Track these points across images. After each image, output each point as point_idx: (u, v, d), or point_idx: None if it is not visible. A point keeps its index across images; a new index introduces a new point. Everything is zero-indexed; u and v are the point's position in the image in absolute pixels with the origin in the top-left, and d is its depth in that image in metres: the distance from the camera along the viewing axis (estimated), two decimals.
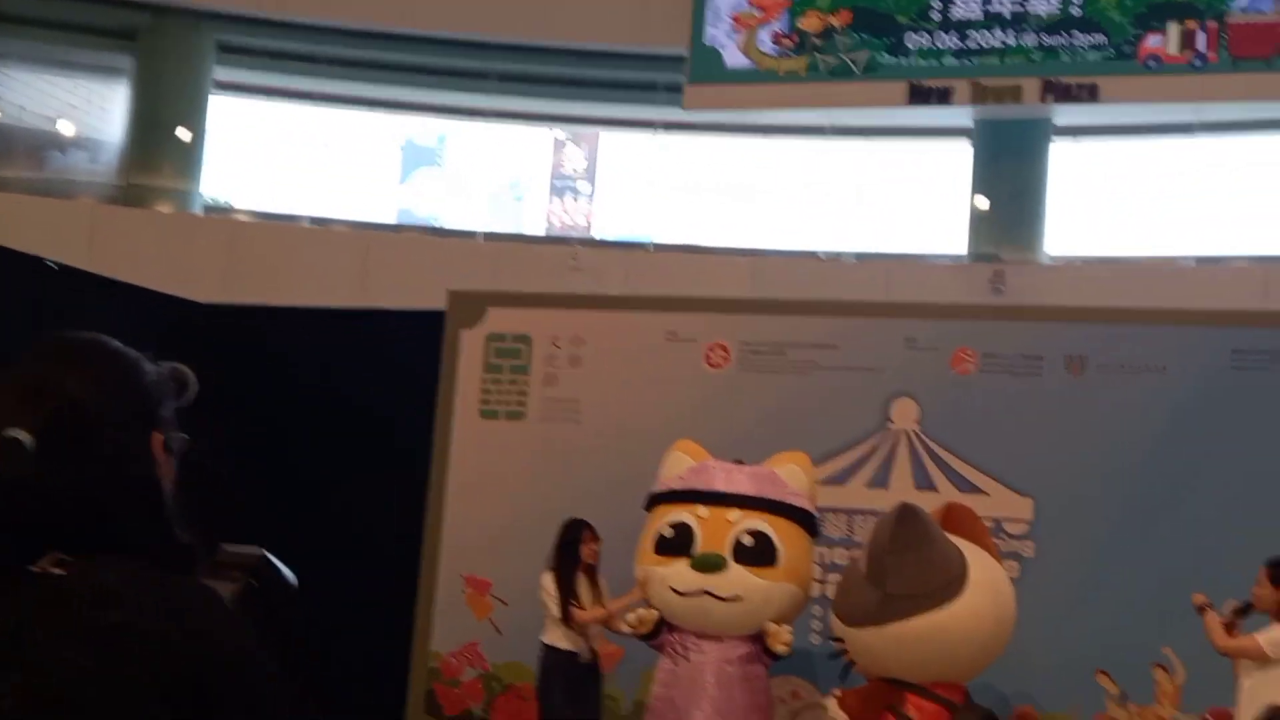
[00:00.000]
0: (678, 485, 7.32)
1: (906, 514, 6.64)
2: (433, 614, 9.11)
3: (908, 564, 6.54)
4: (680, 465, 7.41)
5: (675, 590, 7.06)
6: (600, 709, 7.73)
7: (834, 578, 8.41)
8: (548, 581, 7.67)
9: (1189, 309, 8.46)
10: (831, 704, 6.74)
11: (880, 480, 8.58)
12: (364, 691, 9.02)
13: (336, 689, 8.52)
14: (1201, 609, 6.32)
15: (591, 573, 7.81)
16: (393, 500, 9.32)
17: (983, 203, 10.43)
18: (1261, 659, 6.05)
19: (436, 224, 12.90)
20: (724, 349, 9.04)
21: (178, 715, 1.73)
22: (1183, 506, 8.14)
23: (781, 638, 7.03)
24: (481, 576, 9.06)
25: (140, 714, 1.72)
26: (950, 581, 6.61)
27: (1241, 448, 8.11)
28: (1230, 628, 6.32)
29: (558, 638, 7.58)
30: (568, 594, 7.63)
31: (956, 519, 7.00)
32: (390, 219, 13.20)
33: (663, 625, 7.21)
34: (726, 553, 7.01)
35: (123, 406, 1.90)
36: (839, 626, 6.75)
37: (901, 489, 8.37)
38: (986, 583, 6.79)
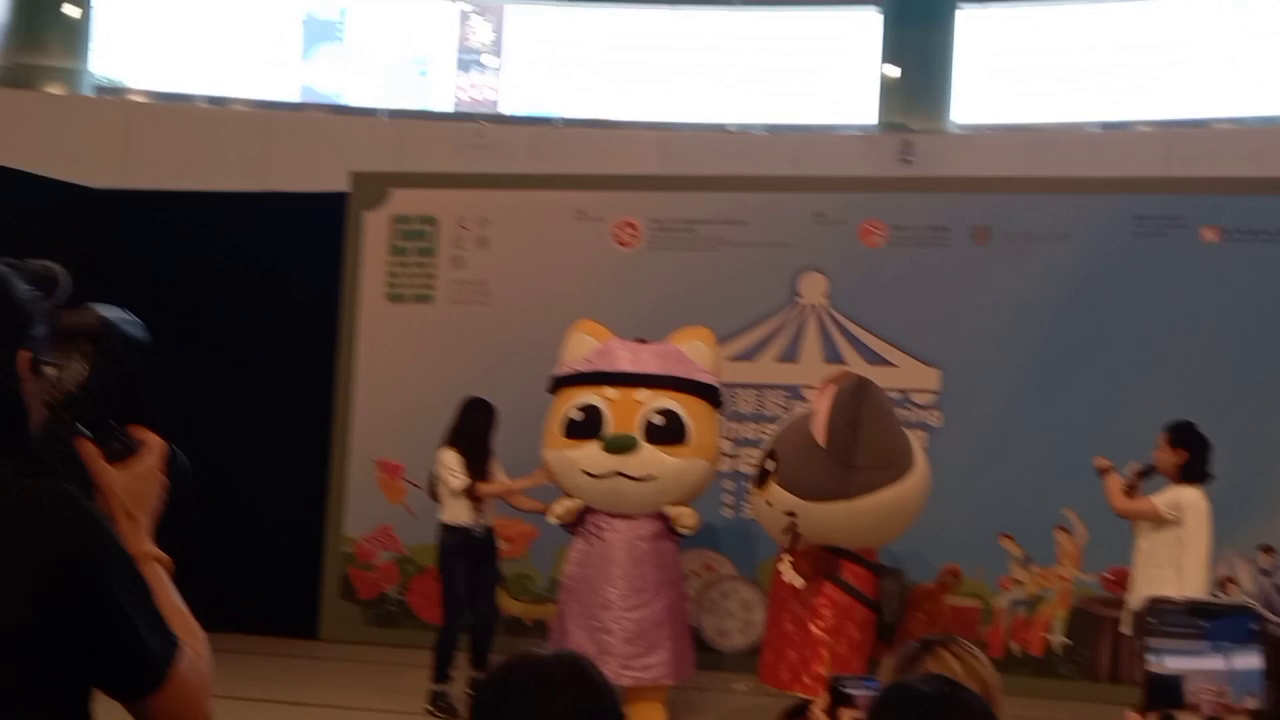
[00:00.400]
0: (583, 367, 7.24)
1: (865, 388, 6.72)
2: (345, 499, 9.09)
3: (873, 438, 6.62)
4: (583, 347, 7.33)
5: (588, 473, 7.05)
6: (496, 585, 7.69)
7: (745, 452, 8.51)
8: (450, 458, 7.54)
9: (1091, 177, 8.52)
10: (786, 568, 6.81)
11: (789, 355, 8.62)
12: (278, 579, 9.02)
13: (250, 577, 8.54)
14: (1103, 472, 6.44)
15: (489, 452, 7.68)
16: (300, 388, 9.22)
17: (893, 71, 10.33)
18: (1158, 521, 6.20)
19: (339, 101, 12.57)
20: (633, 227, 8.97)
21: (41, 611, 1.76)
22: (1085, 372, 8.28)
23: (683, 520, 7.07)
24: (393, 460, 9.03)
25: (4, 610, 1.76)
26: (906, 452, 6.77)
27: (1142, 313, 8.25)
28: (1132, 490, 6.45)
29: (457, 514, 7.50)
30: (478, 470, 7.54)
31: None
32: (291, 97, 12.82)
33: (585, 513, 7.23)
34: (637, 433, 6.99)
35: None
36: (792, 500, 6.74)
37: (810, 363, 8.44)
38: (922, 453, 6.98)
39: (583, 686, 2.02)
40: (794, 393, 8.49)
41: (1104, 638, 8.17)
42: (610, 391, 7.10)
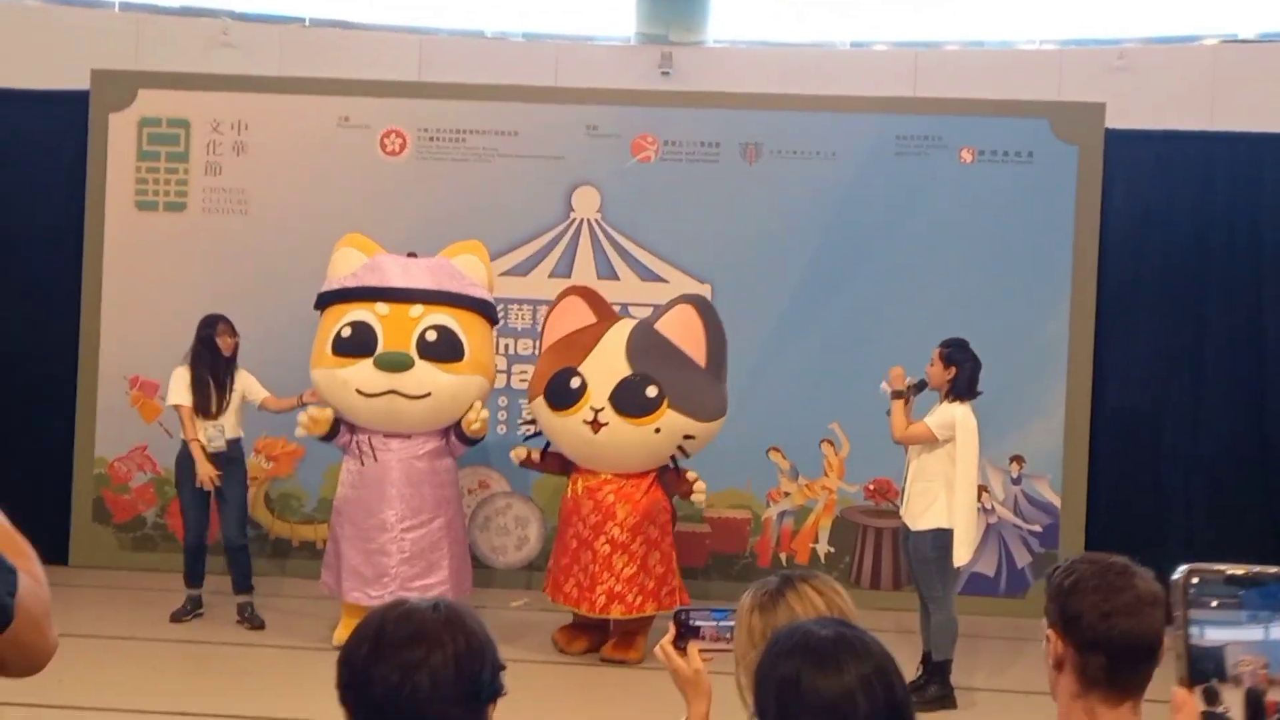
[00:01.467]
0: (351, 283, 6.98)
1: (711, 304, 7.13)
2: (95, 419, 8.58)
3: (725, 354, 7.08)
4: (351, 261, 7.07)
5: (361, 392, 6.84)
6: (238, 503, 7.35)
7: (519, 369, 8.44)
8: (176, 374, 7.25)
9: (857, 95, 8.67)
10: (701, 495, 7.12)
11: (563, 270, 8.55)
12: (26, 502, 8.45)
13: None
14: (894, 396, 6.62)
15: (230, 366, 7.36)
16: (45, 302, 8.62)
17: None
18: (932, 442, 6.45)
19: None
20: (400, 135, 8.69)
21: None
22: (850, 288, 8.52)
23: (473, 418, 6.91)
24: (148, 378, 8.56)
25: None
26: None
27: (905, 230, 8.52)
28: (902, 396, 6.67)
29: (185, 430, 7.21)
30: (212, 386, 7.24)
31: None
32: None
33: (339, 425, 7.02)
34: (411, 350, 6.82)
35: None
36: (689, 424, 6.80)
37: (584, 278, 8.40)
38: None
39: (461, 638, 1.92)
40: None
41: (865, 545, 8.52)
42: (381, 307, 6.90)
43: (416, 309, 6.90)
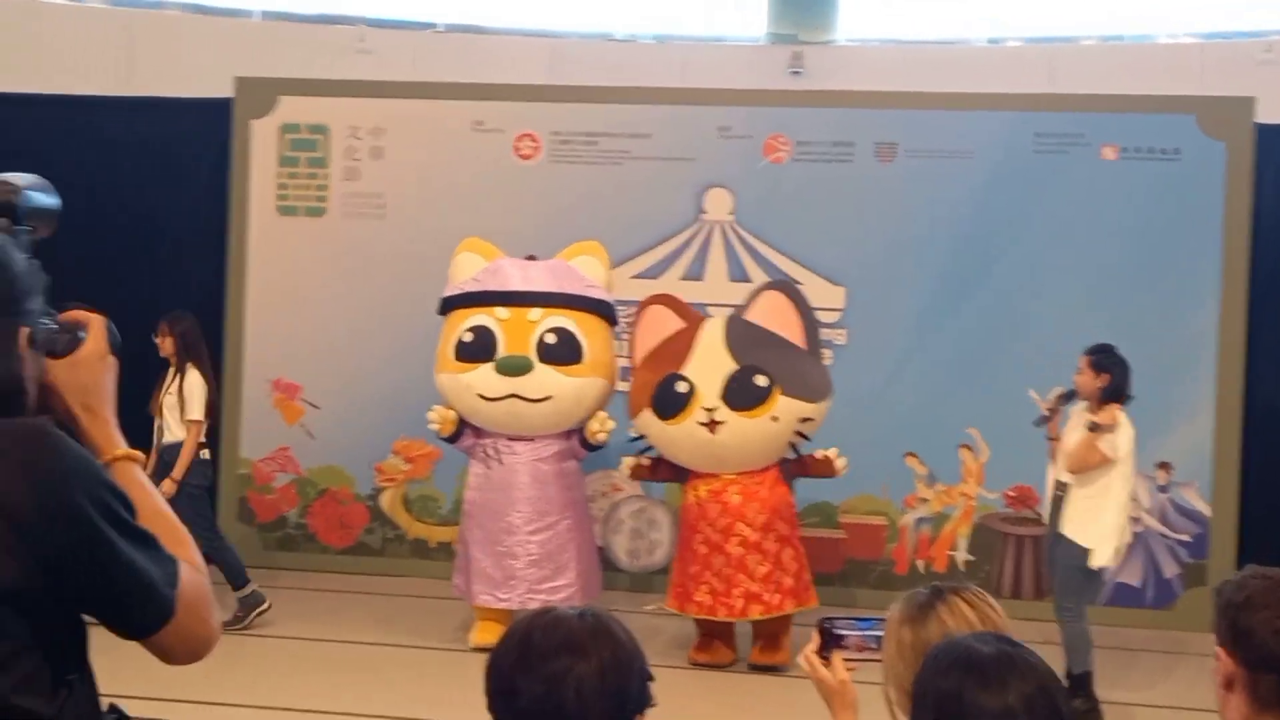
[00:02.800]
0: (472, 287, 7.05)
1: (797, 287, 7.15)
2: (240, 420, 8.76)
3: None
4: (471, 266, 7.12)
5: (483, 396, 6.88)
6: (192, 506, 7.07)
7: None
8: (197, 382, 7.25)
9: (994, 93, 8.49)
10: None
11: (695, 273, 8.53)
12: (172, 503, 8.70)
13: None
14: (1048, 415, 6.49)
15: (171, 366, 7.27)
16: (190, 306, 8.81)
17: None
18: (1106, 464, 6.32)
19: (202, 3, 11.93)
20: (533, 139, 8.74)
21: (30, 567, 1.65)
22: (988, 290, 8.35)
23: (598, 428, 6.92)
24: (290, 380, 8.73)
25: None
26: None
27: (1044, 229, 8.33)
28: (1052, 414, 6.55)
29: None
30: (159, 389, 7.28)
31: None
32: None
33: (464, 427, 7.06)
34: (531, 353, 6.83)
35: None
36: (804, 407, 6.74)
37: (716, 281, 8.37)
38: None
39: (608, 648, 1.89)
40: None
41: (1006, 554, 8.34)
42: (501, 311, 6.94)
43: (535, 312, 6.92)
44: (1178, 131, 8.25)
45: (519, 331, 6.87)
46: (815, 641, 2.68)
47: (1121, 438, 6.26)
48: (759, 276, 8.46)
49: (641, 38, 10.16)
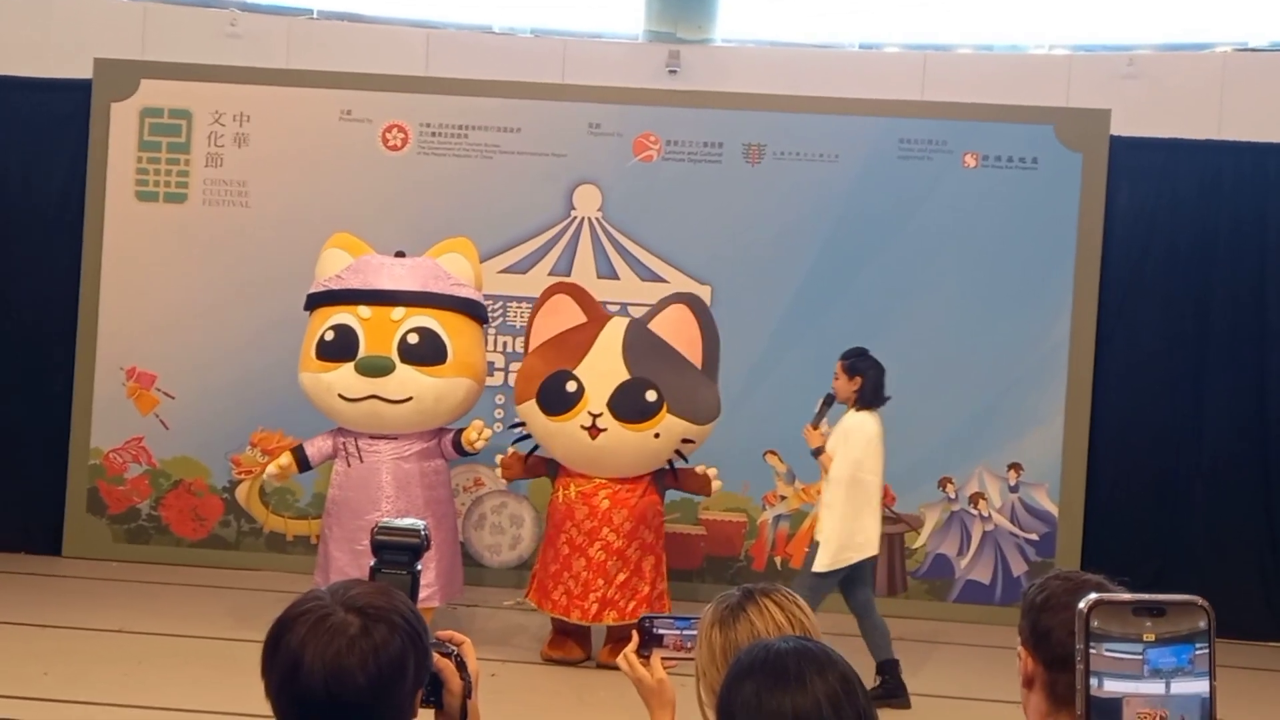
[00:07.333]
0: (336, 285, 6.92)
1: (705, 304, 7.09)
2: (92, 409, 8.56)
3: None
4: (338, 262, 6.99)
5: (343, 396, 6.79)
6: None
7: (516, 366, 8.39)
8: None
9: (861, 98, 8.62)
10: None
11: (563, 268, 8.52)
12: (19, 492, 8.49)
13: None
14: (817, 453, 6.68)
15: None
16: (43, 292, 8.62)
17: None
18: (830, 461, 6.57)
19: None
20: (402, 130, 8.66)
21: None
22: (851, 291, 8.48)
23: (475, 437, 6.87)
24: (145, 370, 8.55)
25: None
26: None
27: (907, 233, 8.47)
28: (818, 419, 6.73)
29: None
30: None
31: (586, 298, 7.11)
32: None
33: (305, 458, 7.02)
34: (392, 353, 6.74)
35: None
36: (688, 428, 6.75)
37: (584, 277, 8.36)
38: None
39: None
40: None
41: None
42: (364, 310, 6.82)
43: (398, 311, 6.81)
44: (1037, 141, 8.45)
45: (381, 331, 6.77)
46: (634, 640, 2.70)
47: (856, 434, 6.44)
48: (626, 273, 8.50)
49: (520, 31, 10.12)
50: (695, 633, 2.61)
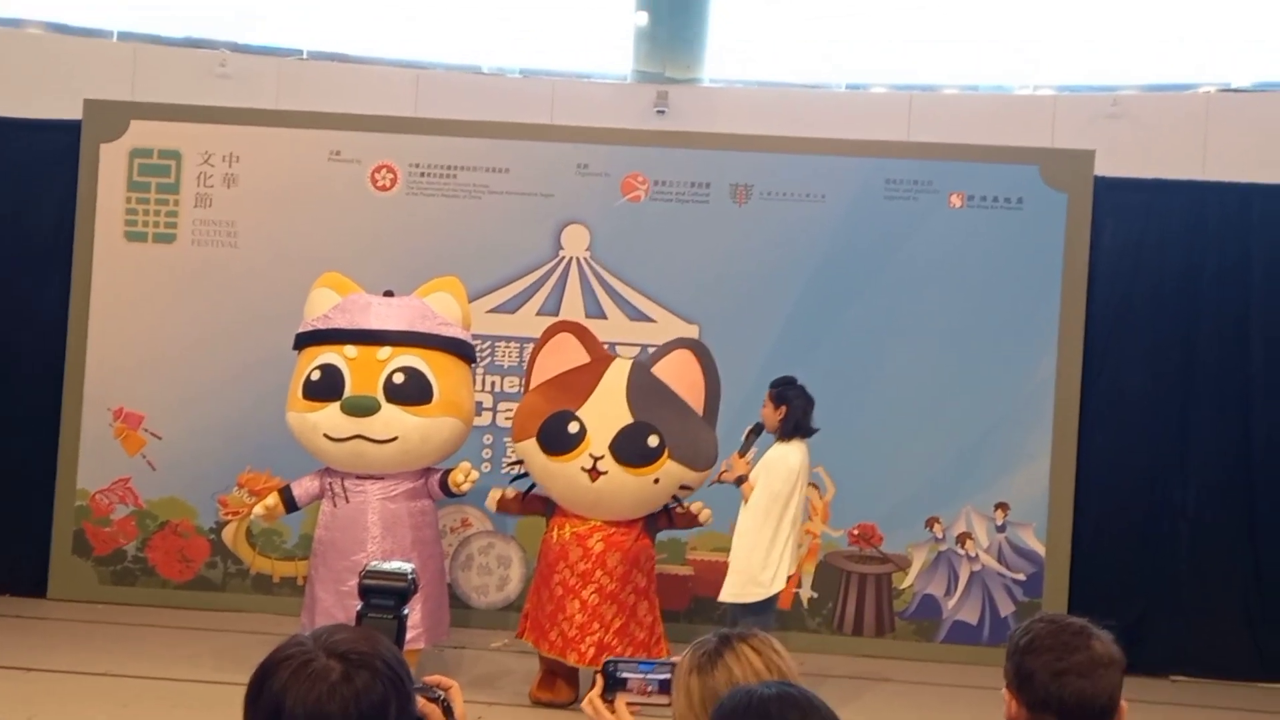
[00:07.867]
0: (322, 325, 6.93)
1: (708, 349, 7.02)
2: (79, 450, 8.55)
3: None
4: (326, 301, 7.00)
5: (329, 436, 6.77)
6: None
7: (505, 406, 8.42)
8: None
9: (847, 139, 8.68)
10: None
11: (551, 308, 8.54)
12: (5, 533, 8.46)
13: None
14: (740, 482, 6.77)
15: None
16: (31, 331, 8.62)
17: (642, 19, 10.31)
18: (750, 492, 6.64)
19: (62, 21, 11.70)
20: (391, 170, 8.70)
21: None
22: (838, 330, 8.51)
23: (462, 479, 6.84)
24: (133, 410, 8.55)
25: None
26: None
27: (893, 273, 8.51)
28: (745, 448, 6.75)
29: None
30: None
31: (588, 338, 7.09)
32: (8, 12, 11.85)
33: (293, 499, 7.03)
34: (378, 393, 6.72)
35: None
36: (686, 474, 6.74)
37: (572, 317, 8.37)
38: None
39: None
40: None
41: (849, 591, 8.46)
42: (350, 350, 6.82)
43: (384, 351, 6.81)
44: (1022, 182, 8.50)
45: (367, 371, 6.76)
46: (599, 684, 2.70)
47: (779, 465, 6.52)
48: (614, 313, 8.53)
49: (509, 72, 10.18)
50: (660, 676, 2.62)
